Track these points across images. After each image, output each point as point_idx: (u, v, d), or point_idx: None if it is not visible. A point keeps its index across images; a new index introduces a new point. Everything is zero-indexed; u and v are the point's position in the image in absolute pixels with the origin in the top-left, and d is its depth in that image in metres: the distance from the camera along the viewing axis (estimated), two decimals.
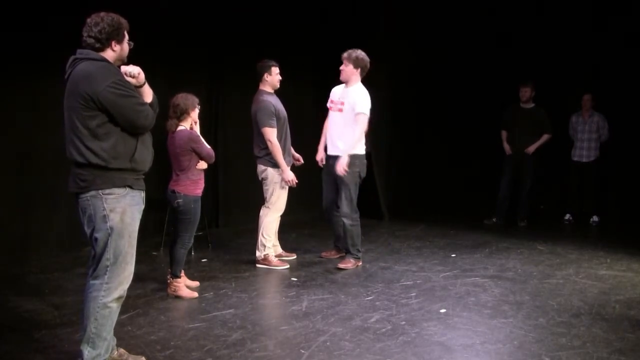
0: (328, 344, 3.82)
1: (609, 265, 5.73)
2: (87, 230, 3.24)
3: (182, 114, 4.73)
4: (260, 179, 5.65)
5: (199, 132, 4.85)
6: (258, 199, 5.76)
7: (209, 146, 4.84)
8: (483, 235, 7.05)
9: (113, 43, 3.20)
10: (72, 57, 3.21)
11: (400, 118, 8.29)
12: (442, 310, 4.44)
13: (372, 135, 8.17)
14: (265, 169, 5.56)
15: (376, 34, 7.90)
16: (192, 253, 5.99)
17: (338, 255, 5.94)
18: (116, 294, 3.25)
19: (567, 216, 7.97)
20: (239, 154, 7.13)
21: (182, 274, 4.86)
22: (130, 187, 3.27)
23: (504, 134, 7.85)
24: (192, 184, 4.75)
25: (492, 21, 8.43)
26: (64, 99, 3.21)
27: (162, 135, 5.33)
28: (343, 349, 3.74)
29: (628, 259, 5.95)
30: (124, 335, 3.92)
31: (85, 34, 3.19)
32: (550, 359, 3.59)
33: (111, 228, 3.18)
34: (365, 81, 5.66)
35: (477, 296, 4.79)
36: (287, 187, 5.59)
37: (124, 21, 3.26)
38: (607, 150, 7.79)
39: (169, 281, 4.82)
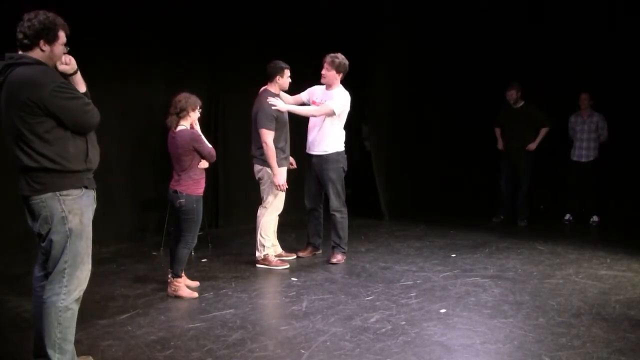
0: (328, 344, 3.82)
1: (609, 265, 5.73)
2: (42, 232, 3.15)
3: (182, 111, 4.73)
4: (257, 178, 5.67)
5: (199, 131, 4.85)
6: (258, 199, 5.76)
7: (210, 145, 4.84)
8: (483, 235, 7.05)
9: (41, 42, 3.05)
10: (2, 63, 3.07)
11: (400, 118, 8.29)
12: (442, 310, 4.44)
13: (372, 135, 8.23)
14: (262, 169, 5.57)
15: (376, 33, 7.91)
16: (192, 253, 5.98)
17: (313, 253, 6.10)
18: (76, 295, 3.20)
19: (567, 216, 7.97)
20: (239, 154, 7.13)
21: (182, 273, 4.85)
22: (86, 187, 3.22)
23: (497, 130, 7.92)
24: (194, 183, 4.75)
25: (492, 21, 8.42)
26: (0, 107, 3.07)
27: (162, 135, 5.35)
28: (343, 349, 3.74)
29: (628, 259, 5.95)
30: (123, 335, 3.93)
31: (17, 29, 3.05)
32: (550, 359, 3.59)
33: (70, 230, 3.13)
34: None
35: (477, 296, 4.79)
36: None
37: (61, 22, 3.11)
38: (606, 150, 7.79)
39: (169, 281, 4.81)
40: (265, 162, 5.50)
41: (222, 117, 7.31)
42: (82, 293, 3.26)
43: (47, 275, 3.21)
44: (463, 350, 3.73)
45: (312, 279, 5.31)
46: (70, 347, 3.22)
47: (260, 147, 5.51)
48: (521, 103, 7.74)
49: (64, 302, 3.15)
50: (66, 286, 3.15)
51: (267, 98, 5.46)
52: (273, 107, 5.40)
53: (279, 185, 5.47)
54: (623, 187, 7.94)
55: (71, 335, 3.22)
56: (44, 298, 3.16)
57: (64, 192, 3.12)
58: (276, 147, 5.45)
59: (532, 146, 7.66)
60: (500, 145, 7.91)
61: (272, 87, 5.60)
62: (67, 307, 3.17)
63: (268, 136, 5.41)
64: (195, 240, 4.89)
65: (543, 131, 7.65)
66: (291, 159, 5.86)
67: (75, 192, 3.15)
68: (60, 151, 3.07)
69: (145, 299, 4.71)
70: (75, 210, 3.15)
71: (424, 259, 6.00)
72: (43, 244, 3.18)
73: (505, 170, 7.85)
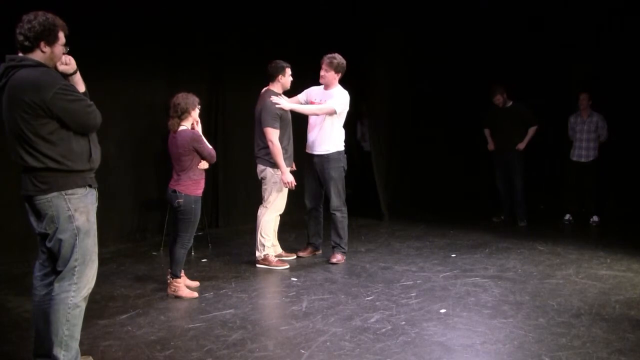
0: (328, 344, 3.82)
1: (609, 265, 5.73)
2: (48, 232, 3.17)
3: (183, 113, 4.74)
4: (259, 178, 5.67)
5: (201, 132, 4.85)
6: (258, 199, 5.76)
7: (210, 146, 4.84)
8: (483, 235, 7.05)
9: (42, 44, 3.07)
10: (3, 65, 3.09)
11: (400, 118, 8.29)
12: (442, 310, 4.44)
13: (372, 135, 8.23)
14: (265, 169, 5.57)
15: (376, 33, 7.91)
16: (192, 253, 6.00)
17: (313, 253, 6.12)
18: (84, 293, 3.26)
19: (567, 216, 7.97)
20: (239, 154, 7.14)
21: (182, 274, 4.86)
22: (90, 186, 3.26)
23: (487, 131, 7.94)
24: (193, 184, 4.75)
25: (492, 21, 8.43)
26: (2, 109, 3.10)
27: (163, 135, 5.35)
28: (343, 349, 3.74)
29: (628, 259, 5.94)
30: (123, 335, 3.93)
31: (17, 31, 3.06)
32: (550, 359, 3.59)
33: (78, 228, 3.16)
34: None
35: (477, 296, 4.78)
36: (286, 188, 5.61)
37: (60, 23, 3.12)
38: (606, 150, 7.79)
39: (169, 281, 4.82)
40: (267, 162, 5.51)
41: (222, 117, 7.31)
42: (90, 291, 3.30)
43: (47, 275, 3.24)
44: (463, 350, 3.73)
45: (312, 279, 5.31)
46: (75, 345, 3.25)
47: (263, 147, 5.52)
48: (509, 103, 7.73)
49: (73, 300, 3.20)
50: (76, 284, 3.20)
51: (270, 97, 5.48)
52: (277, 106, 5.41)
53: (288, 183, 5.48)
54: (623, 187, 7.95)
55: (77, 333, 3.26)
56: (53, 295, 3.19)
57: (70, 191, 3.15)
58: None
59: (521, 146, 7.65)
60: (490, 146, 7.90)
61: (274, 87, 5.61)
62: (76, 305, 3.21)
63: (273, 135, 5.41)
64: (192, 241, 4.89)
65: (532, 130, 7.64)
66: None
67: (80, 191, 3.19)
68: (64, 152, 3.11)
69: (145, 299, 4.71)
70: (82, 209, 3.18)
71: (424, 259, 6.00)
72: (50, 244, 3.18)
73: (499, 171, 7.85)
